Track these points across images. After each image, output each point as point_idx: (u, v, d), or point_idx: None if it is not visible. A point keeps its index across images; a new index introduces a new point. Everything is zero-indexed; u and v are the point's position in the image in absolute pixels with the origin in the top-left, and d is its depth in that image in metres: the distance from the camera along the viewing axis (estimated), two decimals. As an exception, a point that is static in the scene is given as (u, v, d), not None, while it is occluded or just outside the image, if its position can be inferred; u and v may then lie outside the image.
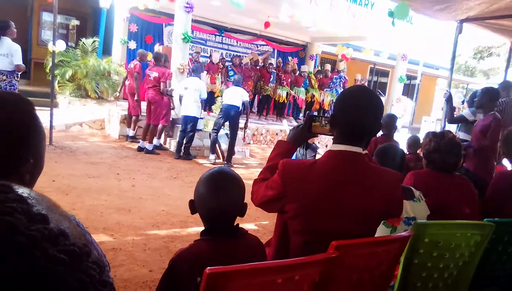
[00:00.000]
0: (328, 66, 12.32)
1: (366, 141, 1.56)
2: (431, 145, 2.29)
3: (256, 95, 11.28)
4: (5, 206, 0.38)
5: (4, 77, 5.25)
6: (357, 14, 9.51)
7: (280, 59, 12.68)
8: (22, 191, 0.42)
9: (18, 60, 5.28)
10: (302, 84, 11.43)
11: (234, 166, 6.77)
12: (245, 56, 11.44)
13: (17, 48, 5.30)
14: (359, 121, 1.40)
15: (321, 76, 11.94)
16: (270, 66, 11.15)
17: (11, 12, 11.67)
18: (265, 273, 1.10)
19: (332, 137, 1.50)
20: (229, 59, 11.35)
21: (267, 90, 10.97)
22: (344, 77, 11.69)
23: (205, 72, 9.63)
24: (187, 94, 6.67)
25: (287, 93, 11.09)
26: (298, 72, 11.62)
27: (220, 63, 10.24)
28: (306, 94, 11.53)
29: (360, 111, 1.40)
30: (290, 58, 13.00)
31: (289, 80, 11.19)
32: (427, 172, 2.32)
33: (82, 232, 0.45)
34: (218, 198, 1.30)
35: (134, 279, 2.74)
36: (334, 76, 11.67)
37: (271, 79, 11.18)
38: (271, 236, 1.84)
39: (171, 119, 7.30)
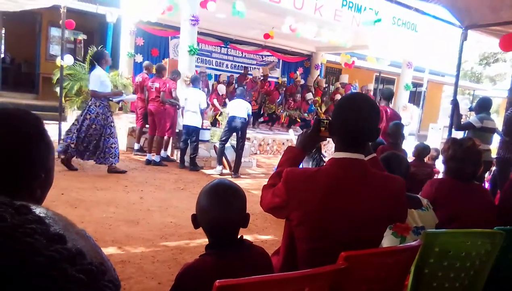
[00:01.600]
0: (339, 86, 12.39)
1: (373, 148, 1.56)
2: (449, 152, 2.26)
3: (262, 109, 11.31)
4: (25, 227, 0.39)
5: (90, 102, 5.59)
6: (361, 23, 9.57)
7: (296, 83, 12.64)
8: (40, 211, 0.43)
9: (93, 85, 5.46)
10: (308, 110, 11.51)
11: (241, 176, 6.77)
12: (256, 69, 11.59)
13: (96, 74, 5.50)
14: (355, 126, 1.43)
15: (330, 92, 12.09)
16: (281, 89, 11.40)
17: (21, 28, 11.91)
18: (275, 285, 1.10)
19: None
20: (237, 71, 11.48)
21: (272, 109, 11.05)
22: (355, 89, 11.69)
23: (215, 100, 9.69)
24: (187, 105, 6.74)
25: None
26: (303, 85, 11.76)
27: (225, 83, 10.41)
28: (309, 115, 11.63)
29: (355, 116, 1.42)
30: (296, 74, 13.06)
31: (295, 106, 11.33)
32: (446, 180, 2.29)
33: (97, 250, 0.46)
34: (219, 209, 1.30)
35: (143, 292, 2.74)
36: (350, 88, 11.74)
37: (278, 99, 11.26)
38: (279, 246, 1.83)
39: (177, 131, 7.35)
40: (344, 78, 12.39)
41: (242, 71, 11.48)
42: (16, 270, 0.35)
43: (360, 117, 1.42)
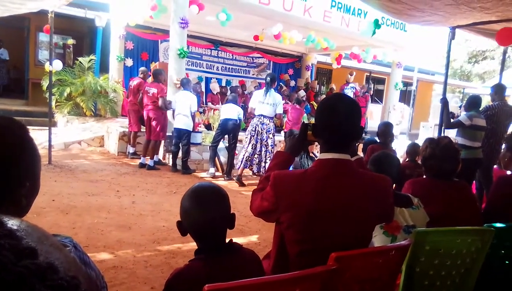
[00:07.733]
0: (333, 86, 12.38)
1: (363, 146, 1.57)
2: (427, 152, 2.28)
3: None
4: None
5: (267, 121, 6.31)
6: (350, 24, 9.62)
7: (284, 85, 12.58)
8: (12, 223, 0.42)
9: (280, 110, 6.38)
10: (304, 109, 11.45)
11: (234, 178, 6.76)
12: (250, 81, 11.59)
13: (280, 101, 6.41)
14: (338, 127, 1.44)
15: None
16: None
17: (8, 34, 11.79)
18: (265, 288, 1.10)
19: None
20: (229, 73, 11.41)
21: None
22: (355, 88, 11.44)
23: (209, 103, 9.68)
24: (178, 108, 6.73)
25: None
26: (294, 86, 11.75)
27: (219, 93, 10.40)
28: (308, 120, 11.57)
29: (336, 117, 1.44)
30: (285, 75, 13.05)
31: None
32: (425, 180, 2.31)
33: (74, 261, 0.44)
34: (200, 212, 1.30)
35: (136, 297, 2.72)
36: (345, 87, 11.56)
37: None
38: (270, 250, 1.83)
39: (169, 134, 7.32)
40: (351, 78, 11.88)
41: (233, 74, 11.50)
42: None
43: (342, 118, 1.43)
